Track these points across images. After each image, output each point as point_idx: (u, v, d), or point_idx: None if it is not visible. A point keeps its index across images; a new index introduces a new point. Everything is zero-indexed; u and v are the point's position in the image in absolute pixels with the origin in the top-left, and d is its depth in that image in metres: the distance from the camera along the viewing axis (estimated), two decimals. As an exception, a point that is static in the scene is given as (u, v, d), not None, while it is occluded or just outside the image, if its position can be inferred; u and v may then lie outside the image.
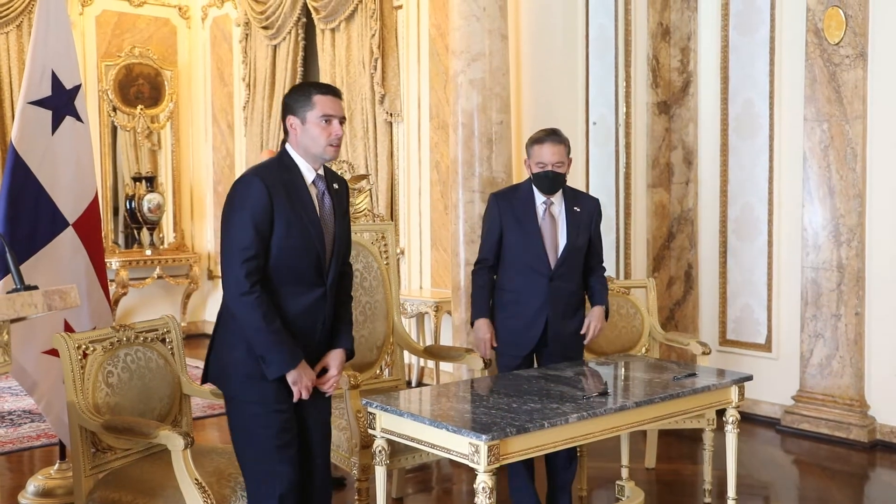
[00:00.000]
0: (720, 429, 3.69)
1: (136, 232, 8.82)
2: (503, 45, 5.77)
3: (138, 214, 8.64)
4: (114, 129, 8.76)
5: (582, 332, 3.84)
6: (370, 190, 6.10)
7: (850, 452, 5.11)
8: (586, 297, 3.94)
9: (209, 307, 9.30)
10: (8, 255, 2.65)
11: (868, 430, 5.21)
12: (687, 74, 6.14)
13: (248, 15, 8.42)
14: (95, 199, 4.35)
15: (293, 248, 2.84)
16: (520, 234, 3.78)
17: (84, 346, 3.08)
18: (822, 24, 5.28)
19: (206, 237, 9.32)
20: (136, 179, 8.75)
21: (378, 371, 4.24)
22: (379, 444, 3.12)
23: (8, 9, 7.94)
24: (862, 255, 5.28)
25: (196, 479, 2.79)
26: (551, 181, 3.74)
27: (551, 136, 3.76)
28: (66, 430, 3.99)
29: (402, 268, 7.09)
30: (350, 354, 3.07)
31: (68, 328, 4.05)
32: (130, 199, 8.65)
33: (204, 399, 3.64)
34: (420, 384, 6.64)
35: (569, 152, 3.79)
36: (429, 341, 6.64)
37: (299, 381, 2.84)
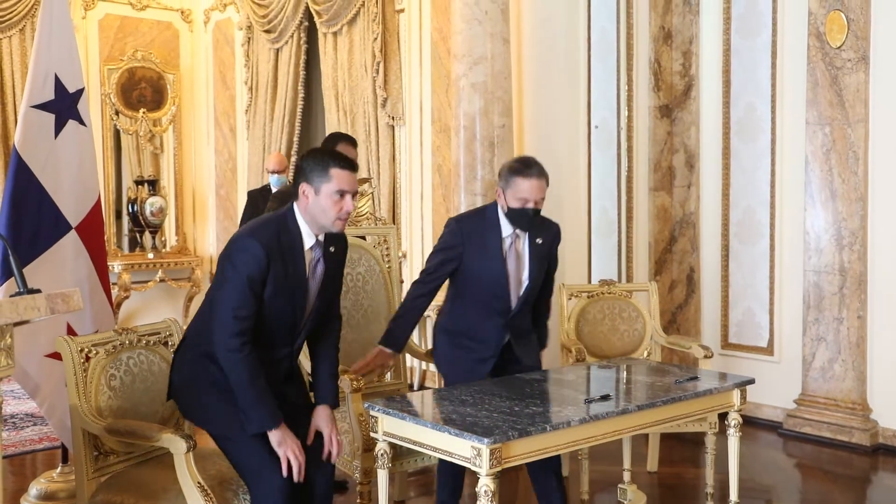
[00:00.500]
0: (722, 432, 3.68)
1: (138, 235, 8.81)
2: (505, 48, 5.77)
3: (140, 218, 8.62)
4: (116, 133, 8.77)
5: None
6: (372, 193, 6.11)
7: (853, 456, 5.10)
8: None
9: (211, 310, 9.29)
10: (11, 258, 2.67)
11: (870, 434, 5.21)
12: (689, 78, 6.14)
13: (251, 18, 8.43)
14: (98, 203, 4.36)
15: (275, 308, 2.92)
16: (482, 269, 3.52)
17: (87, 350, 3.09)
18: (823, 28, 5.28)
19: (209, 241, 9.32)
20: (139, 183, 8.75)
21: (380, 374, 4.24)
22: (381, 447, 3.13)
23: (11, 12, 7.96)
24: (864, 259, 5.28)
25: (198, 483, 2.80)
26: (530, 220, 3.46)
27: (536, 169, 3.43)
28: (68, 433, 3.96)
29: (404, 271, 7.08)
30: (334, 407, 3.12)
31: (71, 331, 4.06)
32: (133, 202, 8.64)
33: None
34: (422, 387, 6.63)
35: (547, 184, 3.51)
36: (430, 345, 6.61)
37: (283, 444, 2.87)
